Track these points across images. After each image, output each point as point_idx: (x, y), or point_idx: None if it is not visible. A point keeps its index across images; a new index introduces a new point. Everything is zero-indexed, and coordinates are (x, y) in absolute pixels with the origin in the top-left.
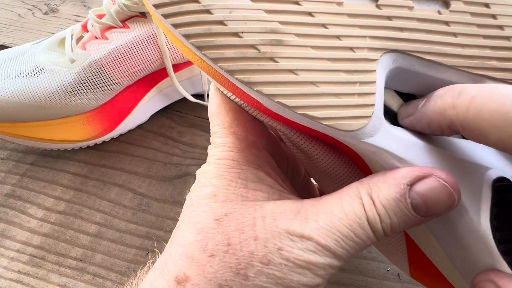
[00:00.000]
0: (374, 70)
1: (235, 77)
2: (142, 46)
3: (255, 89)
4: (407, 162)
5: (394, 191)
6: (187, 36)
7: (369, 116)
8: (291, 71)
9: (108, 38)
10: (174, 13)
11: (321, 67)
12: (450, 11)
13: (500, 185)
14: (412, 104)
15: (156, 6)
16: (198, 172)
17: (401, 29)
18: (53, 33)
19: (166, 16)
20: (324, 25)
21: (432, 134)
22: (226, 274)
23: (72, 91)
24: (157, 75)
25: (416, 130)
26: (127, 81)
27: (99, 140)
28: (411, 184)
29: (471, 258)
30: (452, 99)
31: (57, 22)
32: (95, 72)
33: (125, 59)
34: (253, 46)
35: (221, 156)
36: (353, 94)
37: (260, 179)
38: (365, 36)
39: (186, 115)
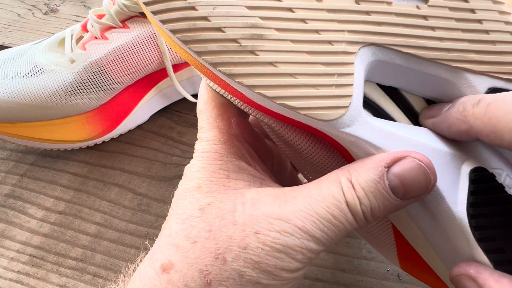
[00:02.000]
0: (352, 63)
1: (217, 69)
2: (142, 46)
3: (236, 80)
4: (384, 151)
5: (372, 174)
6: (174, 31)
7: (346, 107)
8: (271, 63)
9: (108, 38)
10: (162, 10)
11: (299, 59)
12: (429, 5)
13: (477, 174)
14: (436, 107)
15: (146, 4)
16: (186, 167)
17: (379, 24)
18: (53, 33)
19: (154, 13)
20: (303, 20)
21: (450, 138)
22: (206, 259)
23: (72, 91)
24: (157, 75)
25: (436, 132)
26: (127, 81)
27: (99, 140)
28: (388, 166)
29: (451, 246)
30: (473, 106)
31: (57, 22)
32: (95, 72)
33: (125, 59)
34: (234, 40)
35: (204, 150)
36: (330, 86)
37: (242, 169)
38: (343, 30)
39: (186, 115)
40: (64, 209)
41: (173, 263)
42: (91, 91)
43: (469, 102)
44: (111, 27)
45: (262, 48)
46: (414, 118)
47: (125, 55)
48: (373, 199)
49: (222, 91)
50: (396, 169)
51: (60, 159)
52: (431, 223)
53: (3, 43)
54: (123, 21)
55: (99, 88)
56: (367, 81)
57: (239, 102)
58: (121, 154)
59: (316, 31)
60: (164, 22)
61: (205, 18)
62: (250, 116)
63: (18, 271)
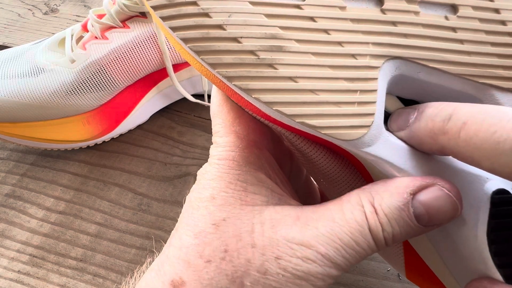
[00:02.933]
0: (376, 78)
1: (233, 83)
2: (142, 46)
3: (253, 96)
4: (406, 172)
5: (396, 200)
6: (185, 40)
7: (369, 126)
8: (291, 78)
9: (108, 38)
10: (172, 15)
11: (321, 74)
12: (458, 16)
13: (499, 197)
14: (403, 116)
15: (155, 8)
16: (199, 172)
17: (405, 35)
18: (53, 33)
19: (164, 18)
20: (326, 31)
21: (423, 152)
22: (222, 281)
23: (72, 91)
24: (157, 75)
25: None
26: (127, 81)
27: (99, 140)
28: (414, 193)
29: (467, 268)
30: (443, 123)
31: (57, 22)
32: (95, 72)
33: (125, 59)
34: (252, 52)
35: (221, 156)
36: (353, 103)
37: (260, 181)
38: (368, 43)
39: (186, 115)
40: (64, 209)
41: (185, 281)
42: (91, 91)
43: (438, 117)
44: (111, 27)
45: (281, 62)
46: None
47: (125, 55)
48: (396, 227)
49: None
50: (423, 197)
51: (61, 159)
52: (448, 245)
53: (3, 43)
54: (123, 21)
55: (99, 88)
56: (387, 94)
57: (256, 115)
58: (121, 154)
59: (339, 43)
60: (174, 29)
61: (220, 27)
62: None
63: (19, 271)
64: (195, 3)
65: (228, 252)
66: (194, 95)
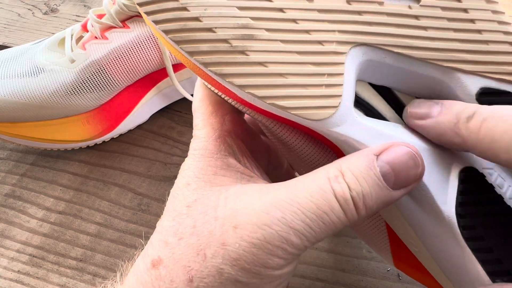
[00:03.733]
0: (343, 63)
1: (208, 69)
2: (142, 46)
3: (227, 80)
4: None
5: (363, 161)
6: (166, 32)
7: (336, 106)
8: (261, 63)
9: (108, 38)
10: (155, 10)
11: (289, 59)
12: (421, 5)
13: (467, 174)
14: (424, 107)
15: (140, 5)
16: (181, 165)
17: (370, 24)
18: (53, 33)
19: (148, 13)
20: (294, 20)
21: (439, 144)
22: (190, 254)
23: (72, 91)
24: (157, 75)
25: (422, 133)
26: (127, 81)
27: (99, 140)
28: (379, 154)
29: (441, 245)
30: (467, 119)
31: (57, 22)
32: (95, 72)
33: (125, 59)
34: (225, 41)
35: (196, 147)
36: (320, 85)
37: (230, 166)
38: (334, 31)
39: (186, 115)
40: (64, 209)
41: (162, 259)
42: (91, 91)
43: (463, 114)
44: (111, 27)
45: (252, 49)
46: None
47: (125, 55)
48: (365, 185)
49: (216, 90)
50: (386, 156)
51: (60, 159)
52: (422, 222)
53: (3, 43)
54: (123, 21)
55: (99, 88)
56: (359, 80)
57: (233, 101)
58: (121, 154)
59: (307, 31)
60: (157, 22)
61: (196, 19)
62: (246, 114)
63: (18, 271)
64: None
65: (196, 228)
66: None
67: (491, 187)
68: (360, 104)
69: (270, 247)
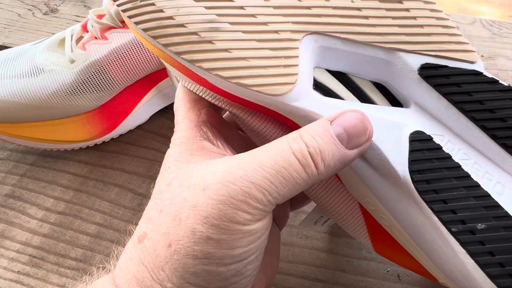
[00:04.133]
0: (297, 47)
1: (181, 57)
2: (142, 47)
3: (196, 65)
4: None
5: (319, 125)
6: (145, 30)
7: (293, 83)
8: (226, 50)
9: (108, 38)
10: (136, 14)
11: (250, 46)
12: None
13: (416, 135)
14: None
15: (124, 11)
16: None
17: (318, 16)
18: (53, 33)
19: (130, 17)
20: (253, 15)
21: None
22: (168, 221)
23: (72, 92)
24: (157, 75)
25: None
26: (127, 82)
27: (99, 140)
28: (332, 120)
29: (402, 207)
30: None
31: (57, 22)
32: (95, 73)
33: (125, 60)
34: (195, 33)
35: (176, 137)
36: (278, 66)
37: (205, 148)
38: (288, 22)
39: None
40: (64, 209)
41: (146, 233)
42: (91, 91)
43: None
44: (111, 27)
45: (218, 38)
46: (363, 99)
47: (125, 55)
48: (322, 142)
49: (194, 89)
50: (338, 120)
51: (60, 159)
52: (382, 186)
53: (3, 43)
54: (123, 21)
55: (99, 88)
56: (317, 67)
57: (207, 94)
58: (121, 154)
59: (265, 23)
60: (137, 23)
61: (170, 18)
62: (225, 114)
63: (18, 271)
64: (153, 4)
65: (173, 199)
66: None
67: (439, 146)
68: (319, 87)
69: (235, 201)
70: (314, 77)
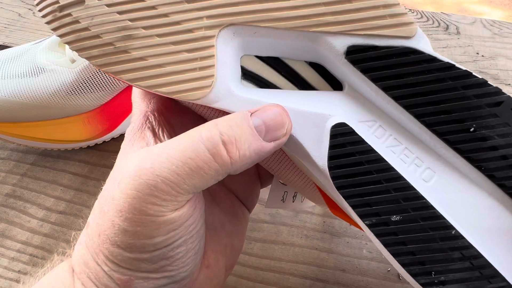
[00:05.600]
0: (213, 46)
1: (103, 70)
2: None
3: (118, 76)
4: None
5: (238, 115)
6: (68, 43)
7: (209, 86)
8: (141, 58)
9: None
10: (57, 27)
11: (166, 51)
12: None
13: (337, 129)
14: None
15: (48, 23)
16: None
17: (234, 4)
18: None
19: (54, 30)
20: (166, 15)
21: None
22: (98, 213)
23: (72, 91)
24: None
25: None
26: None
27: (100, 140)
28: (253, 112)
29: (330, 190)
30: None
31: None
32: (96, 72)
33: None
34: (110, 44)
35: (128, 129)
36: (194, 69)
37: (145, 138)
38: (202, 17)
39: None
40: (64, 209)
41: (89, 222)
42: (92, 91)
43: None
44: None
45: (132, 47)
46: (299, 82)
47: None
48: (238, 131)
49: None
50: (258, 112)
51: (61, 159)
52: (314, 175)
53: (3, 43)
54: None
55: (100, 88)
56: (246, 55)
57: None
58: None
59: (178, 23)
60: (61, 37)
61: (86, 29)
62: None
63: (19, 270)
64: (69, 15)
65: (104, 191)
66: None
67: (359, 139)
68: (251, 77)
69: (142, 195)
70: (243, 67)
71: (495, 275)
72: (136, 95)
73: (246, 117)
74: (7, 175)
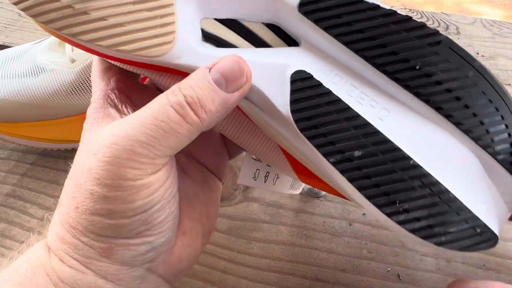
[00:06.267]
0: (172, 4)
1: (61, 32)
2: None
3: (77, 38)
4: None
5: (197, 74)
6: (24, 10)
7: (171, 41)
8: (101, 18)
9: None
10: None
11: (125, 10)
12: None
13: (296, 76)
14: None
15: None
16: None
17: None
18: None
19: (15, 3)
20: None
21: None
22: (73, 187)
23: (72, 91)
24: None
25: None
26: None
27: None
28: (211, 67)
29: (298, 145)
30: None
31: None
32: None
33: None
34: (69, 6)
35: (89, 109)
36: (155, 26)
37: (109, 115)
38: None
39: None
40: None
41: (62, 199)
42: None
43: None
44: None
45: (92, 8)
46: (257, 42)
47: None
48: (199, 90)
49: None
50: (215, 66)
51: (61, 158)
52: (276, 126)
53: (3, 43)
54: None
55: None
56: (205, 18)
57: (116, 62)
58: None
59: None
60: (16, 4)
61: None
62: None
63: None
64: None
65: (76, 167)
66: None
67: (319, 83)
68: (210, 38)
69: (120, 161)
70: (203, 29)
71: (453, 199)
72: (95, 74)
73: (204, 74)
74: (7, 175)
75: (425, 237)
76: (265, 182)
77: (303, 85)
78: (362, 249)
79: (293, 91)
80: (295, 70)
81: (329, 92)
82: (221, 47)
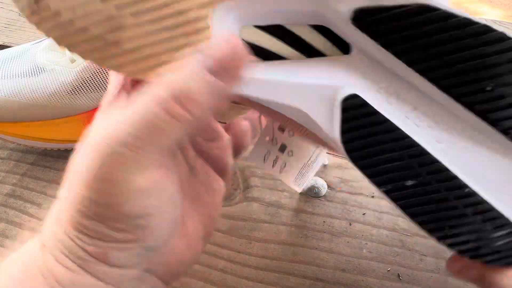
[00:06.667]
0: (208, 27)
1: (101, 65)
2: None
3: (119, 71)
4: (263, 100)
5: (188, 67)
6: (56, 40)
7: None
8: (135, 50)
9: None
10: (39, 22)
11: (160, 38)
12: None
13: (348, 102)
14: None
15: (28, 18)
16: None
17: None
18: None
19: (36, 25)
20: None
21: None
22: (67, 187)
23: (72, 91)
24: None
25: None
26: None
27: None
28: (200, 55)
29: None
30: None
31: None
32: (96, 72)
33: None
34: (99, 37)
35: (104, 97)
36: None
37: (117, 100)
38: None
39: None
40: None
41: (59, 196)
42: (92, 90)
43: None
44: None
45: (124, 38)
46: (306, 48)
47: None
48: (190, 82)
49: None
50: (206, 52)
51: (61, 158)
52: (324, 137)
53: (3, 43)
54: None
55: (100, 88)
56: (244, 26)
57: None
58: None
59: (166, 5)
60: (46, 33)
61: (71, 22)
62: None
63: None
64: (47, 6)
65: (74, 159)
66: None
67: (373, 111)
68: (251, 49)
69: (108, 165)
70: (242, 39)
71: (506, 223)
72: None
73: (194, 68)
74: (7, 175)
75: (472, 257)
76: (272, 167)
77: (356, 113)
78: (362, 249)
79: (344, 120)
80: (347, 95)
81: (383, 120)
82: (264, 58)
